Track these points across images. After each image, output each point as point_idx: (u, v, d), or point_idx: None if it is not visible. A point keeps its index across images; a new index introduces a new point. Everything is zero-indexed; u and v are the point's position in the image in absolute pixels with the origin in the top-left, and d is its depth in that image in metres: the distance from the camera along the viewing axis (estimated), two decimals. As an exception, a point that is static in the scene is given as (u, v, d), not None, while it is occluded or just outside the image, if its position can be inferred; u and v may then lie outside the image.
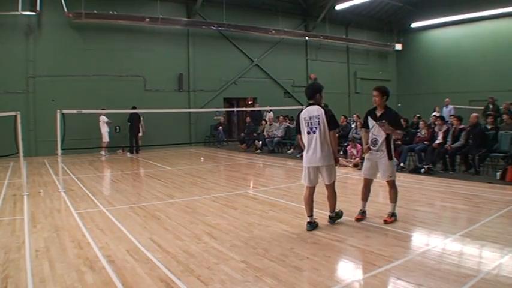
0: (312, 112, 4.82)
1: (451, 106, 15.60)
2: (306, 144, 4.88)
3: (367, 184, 5.34)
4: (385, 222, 5.08)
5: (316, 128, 4.78)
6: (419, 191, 7.32)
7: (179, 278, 3.49)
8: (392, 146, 5.15)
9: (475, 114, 9.39)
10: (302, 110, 5.00)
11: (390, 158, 5.08)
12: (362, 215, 5.30)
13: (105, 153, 14.48)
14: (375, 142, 5.12)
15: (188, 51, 17.64)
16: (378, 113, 5.11)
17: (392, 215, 5.17)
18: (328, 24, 21.18)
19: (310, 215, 4.93)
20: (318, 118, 4.77)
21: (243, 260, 3.91)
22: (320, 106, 4.86)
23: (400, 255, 3.94)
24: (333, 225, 5.09)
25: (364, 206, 5.35)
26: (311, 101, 4.92)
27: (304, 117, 4.86)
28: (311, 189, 4.99)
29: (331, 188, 5.03)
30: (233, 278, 3.48)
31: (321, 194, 7.30)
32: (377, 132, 5.09)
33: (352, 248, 4.26)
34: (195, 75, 17.76)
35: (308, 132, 4.83)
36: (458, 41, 21.55)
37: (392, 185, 5.19)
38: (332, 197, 5.07)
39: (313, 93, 4.92)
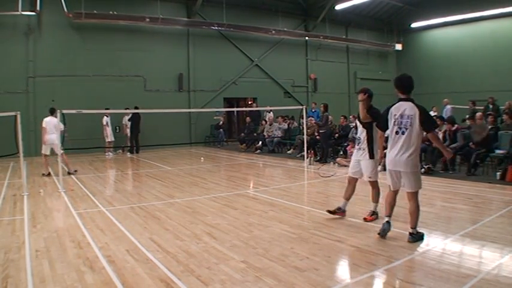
0: (404, 109, 4.26)
1: (448, 106, 15.53)
2: (389, 144, 4.41)
3: (351, 182, 5.38)
4: (365, 220, 5.17)
5: (406, 129, 4.23)
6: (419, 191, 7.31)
7: (179, 278, 3.49)
8: (375, 146, 5.09)
9: (479, 113, 9.59)
10: (396, 102, 4.39)
11: (371, 157, 5.09)
12: (338, 211, 5.37)
13: (111, 153, 14.50)
14: (358, 141, 5.27)
15: (188, 51, 17.64)
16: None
17: (373, 213, 5.25)
18: (328, 24, 21.18)
19: (389, 215, 4.56)
20: (411, 117, 4.20)
21: (243, 260, 3.91)
22: (414, 103, 4.28)
23: (400, 255, 3.94)
24: (333, 225, 5.08)
25: (345, 204, 5.40)
26: (404, 96, 4.32)
27: (394, 114, 4.32)
28: (395, 193, 4.59)
29: (415, 198, 4.42)
30: (233, 278, 3.48)
31: (321, 194, 7.32)
32: (360, 131, 5.24)
33: (352, 248, 4.26)
34: (195, 75, 17.76)
35: (396, 132, 4.31)
36: (458, 41, 21.55)
37: (373, 185, 5.22)
38: (416, 210, 4.41)
39: (411, 88, 4.34)
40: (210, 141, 17.68)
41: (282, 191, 7.49)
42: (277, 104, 18.00)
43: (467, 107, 15.51)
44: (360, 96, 5.04)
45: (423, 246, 4.28)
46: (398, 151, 4.29)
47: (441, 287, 3.21)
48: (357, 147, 5.29)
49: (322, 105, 12.44)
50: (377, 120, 4.89)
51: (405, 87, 4.34)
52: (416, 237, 4.38)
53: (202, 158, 13.66)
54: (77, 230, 5.03)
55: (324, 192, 7.54)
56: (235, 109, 19.46)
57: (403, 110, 4.26)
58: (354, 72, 23.37)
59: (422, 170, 9.02)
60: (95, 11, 14.55)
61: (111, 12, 14.92)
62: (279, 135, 14.56)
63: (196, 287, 3.34)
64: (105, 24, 15.21)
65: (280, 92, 20.47)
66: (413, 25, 22.94)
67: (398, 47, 24.23)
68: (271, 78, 19.99)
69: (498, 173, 8.06)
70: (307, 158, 10.98)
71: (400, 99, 4.34)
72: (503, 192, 6.94)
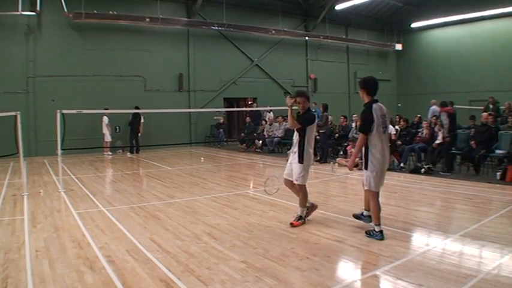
0: (382, 109, 4.51)
1: (434, 107, 15.28)
2: (380, 145, 4.43)
3: (287, 185, 5.27)
4: (291, 225, 5.04)
5: (387, 126, 4.54)
6: (419, 191, 7.32)
7: (179, 278, 3.49)
8: (306, 150, 4.98)
9: (485, 113, 9.64)
10: (371, 105, 4.46)
11: (300, 162, 4.97)
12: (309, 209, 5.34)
13: (111, 153, 14.52)
14: (293, 143, 5.19)
15: (188, 51, 17.63)
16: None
17: (300, 218, 5.14)
18: (328, 24, 21.18)
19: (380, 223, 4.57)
20: (386, 116, 4.55)
21: (243, 260, 3.91)
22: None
23: (400, 255, 3.94)
24: (333, 225, 5.07)
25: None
26: (373, 98, 4.55)
27: (376, 115, 4.42)
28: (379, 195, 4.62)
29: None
30: (233, 278, 3.48)
31: (321, 194, 7.32)
32: (294, 135, 5.16)
33: (352, 248, 4.26)
34: (195, 75, 17.76)
35: (383, 132, 4.47)
36: (458, 41, 21.54)
37: (300, 189, 5.11)
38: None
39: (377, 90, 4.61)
40: (210, 141, 17.67)
41: (282, 191, 7.45)
42: (277, 104, 17.95)
43: (469, 107, 15.49)
44: (291, 102, 4.95)
45: (423, 246, 4.29)
46: (387, 150, 4.54)
47: (441, 287, 3.21)
48: (292, 149, 5.20)
49: (321, 105, 12.44)
50: (306, 125, 4.95)
51: (376, 89, 4.59)
52: (369, 220, 4.75)
53: (202, 158, 13.65)
54: (77, 230, 5.03)
55: (324, 192, 7.53)
56: (235, 109, 19.44)
57: (381, 109, 4.48)
58: (354, 72, 23.34)
59: (422, 170, 9.03)
60: (95, 11, 14.53)
61: (111, 12, 14.90)
62: (279, 135, 14.55)
63: (196, 287, 3.34)
64: (105, 24, 15.19)
65: (280, 92, 20.44)
66: (413, 25, 22.92)
67: (398, 47, 24.21)
68: (271, 78, 19.99)
69: (498, 173, 8.06)
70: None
71: (373, 101, 4.50)
72: (503, 192, 6.95)
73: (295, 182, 5.10)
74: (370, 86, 4.56)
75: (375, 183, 4.47)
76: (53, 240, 4.64)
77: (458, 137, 9.48)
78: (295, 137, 5.12)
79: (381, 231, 4.49)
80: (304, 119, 5.01)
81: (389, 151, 4.66)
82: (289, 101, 4.96)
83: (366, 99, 4.55)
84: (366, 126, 4.41)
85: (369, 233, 4.57)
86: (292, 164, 5.14)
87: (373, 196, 4.54)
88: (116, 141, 15.10)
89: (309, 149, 5.03)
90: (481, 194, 6.85)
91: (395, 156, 9.77)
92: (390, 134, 10.09)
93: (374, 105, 4.45)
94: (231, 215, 5.76)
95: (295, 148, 5.09)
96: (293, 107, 4.98)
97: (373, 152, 4.42)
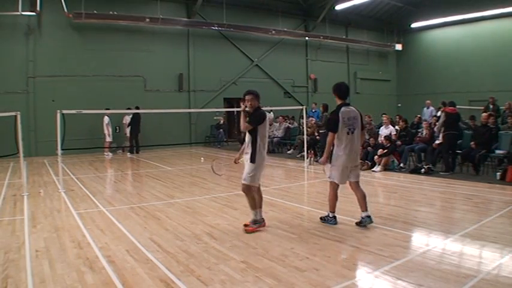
0: (351, 113, 4.95)
1: (432, 108, 15.25)
2: (344, 143, 4.89)
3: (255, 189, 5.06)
4: (245, 227, 4.88)
5: (355, 128, 4.93)
6: (419, 191, 7.32)
7: (179, 278, 3.49)
8: (258, 150, 4.91)
9: (485, 114, 9.64)
10: (340, 108, 4.95)
11: (252, 161, 4.87)
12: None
13: (110, 153, 14.53)
14: (246, 145, 5.04)
15: (188, 51, 17.65)
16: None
17: (255, 222, 4.94)
18: (328, 24, 21.19)
19: (334, 211, 5.12)
20: (356, 119, 4.96)
21: (243, 260, 3.91)
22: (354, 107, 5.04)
23: (400, 255, 3.94)
24: (333, 225, 5.07)
25: (260, 213, 5.08)
26: (344, 101, 5.01)
27: (343, 118, 4.88)
28: (338, 187, 5.10)
29: (360, 186, 5.06)
30: (233, 278, 3.48)
31: (321, 194, 7.32)
32: (246, 136, 5.02)
33: (352, 248, 4.26)
34: (195, 75, 17.77)
35: (348, 133, 4.89)
36: (458, 41, 21.55)
37: (245, 189, 4.89)
38: (365, 194, 5.04)
39: (349, 94, 5.08)
40: (210, 141, 17.68)
41: (282, 191, 7.49)
42: (277, 104, 17.98)
43: (469, 107, 15.46)
44: (243, 106, 4.97)
45: (423, 246, 4.29)
46: (353, 148, 4.93)
47: (441, 287, 3.21)
48: (245, 151, 5.07)
49: (321, 105, 12.45)
50: (256, 124, 4.94)
51: (346, 94, 5.07)
52: (370, 220, 4.91)
53: (202, 158, 13.64)
54: (77, 230, 5.03)
55: (324, 193, 7.50)
56: (235, 109, 19.43)
57: (349, 113, 4.93)
58: (354, 72, 23.35)
59: (422, 170, 9.03)
60: (95, 11, 14.55)
61: (111, 12, 14.92)
62: (279, 136, 14.56)
63: (196, 287, 3.34)
64: (105, 24, 15.21)
65: (280, 92, 20.47)
66: (413, 25, 22.93)
67: (398, 47, 24.21)
68: (271, 78, 20.00)
69: (498, 173, 8.06)
70: (307, 158, 10.98)
71: (343, 104, 4.97)
72: (503, 192, 6.95)
73: (242, 181, 4.89)
74: (340, 91, 5.05)
75: (334, 174, 4.98)
76: (53, 240, 4.64)
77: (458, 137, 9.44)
78: (248, 138, 4.96)
79: (334, 217, 5.06)
80: (253, 117, 4.94)
81: (357, 151, 5.06)
82: (243, 106, 4.99)
83: (338, 102, 5.04)
84: (331, 126, 4.96)
85: (324, 219, 5.12)
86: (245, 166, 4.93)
87: (332, 186, 5.05)
88: (122, 142, 15.13)
89: (262, 150, 4.96)
90: (481, 194, 6.85)
91: (395, 156, 9.77)
92: (395, 134, 10.11)
93: (342, 109, 4.92)
94: (231, 215, 5.76)
95: (247, 149, 4.95)
96: (246, 109, 4.95)
97: (336, 149, 4.97)
